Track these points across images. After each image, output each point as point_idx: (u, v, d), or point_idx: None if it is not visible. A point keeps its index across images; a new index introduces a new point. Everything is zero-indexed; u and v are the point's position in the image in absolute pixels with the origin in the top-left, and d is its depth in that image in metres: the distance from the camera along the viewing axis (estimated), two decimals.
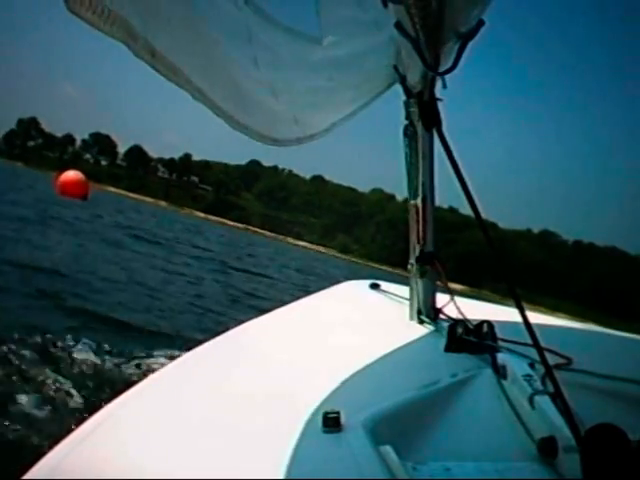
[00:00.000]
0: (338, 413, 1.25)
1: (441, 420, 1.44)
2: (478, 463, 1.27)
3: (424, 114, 2.01)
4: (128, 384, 1.51)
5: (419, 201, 2.22)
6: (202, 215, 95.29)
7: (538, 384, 1.50)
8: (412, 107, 2.10)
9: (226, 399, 1.46)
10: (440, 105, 2.02)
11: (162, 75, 1.15)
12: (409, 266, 2.31)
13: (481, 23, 1.65)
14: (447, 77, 1.80)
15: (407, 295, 2.40)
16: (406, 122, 2.17)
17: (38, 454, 1.14)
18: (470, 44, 1.69)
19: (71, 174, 9.57)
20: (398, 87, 2.14)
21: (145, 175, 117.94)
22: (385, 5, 1.59)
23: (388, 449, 1.18)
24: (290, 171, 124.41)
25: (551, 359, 1.76)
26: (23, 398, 4.06)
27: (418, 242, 2.25)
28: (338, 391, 1.48)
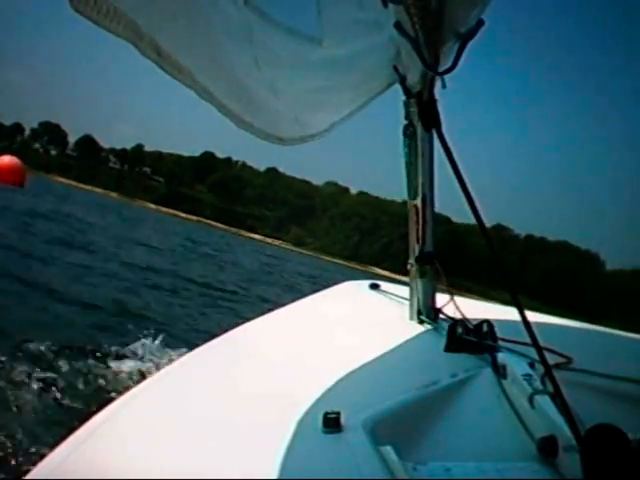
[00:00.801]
0: (338, 413, 1.25)
1: (441, 420, 1.44)
2: (478, 463, 1.27)
3: (423, 114, 2.01)
4: (128, 386, 1.51)
5: (419, 201, 2.22)
6: (154, 207, 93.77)
7: (538, 384, 1.50)
8: (412, 107, 2.10)
9: (227, 399, 1.46)
10: (440, 105, 2.03)
11: (168, 74, 1.15)
12: (409, 266, 2.31)
13: (481, 23, 1.65)
14: (447, 77, 1.80)
15: (407, 295, 2.40)
16: (406, 122, 2.17)
17: (41, 455, 1.14)
18: (470, 44, 1.70)
19: (6, 159, 9.21)
20: (397, 87, 2.15)
21: (96, 166, 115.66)
22: (385, 5, 1.59)
23: (388, 449, 1.18)
24: (244, 163, 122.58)
25: (551, 358, 1.77)
26: None
27: (417, 242, 2.25)
28: (338, 391, 1.48)
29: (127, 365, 4.85)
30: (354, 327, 2.24)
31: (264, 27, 1.64)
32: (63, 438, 1.21)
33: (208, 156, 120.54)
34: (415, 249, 2.27)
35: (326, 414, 1.25)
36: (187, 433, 1.27)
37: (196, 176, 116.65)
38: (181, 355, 1.80)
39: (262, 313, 2.30)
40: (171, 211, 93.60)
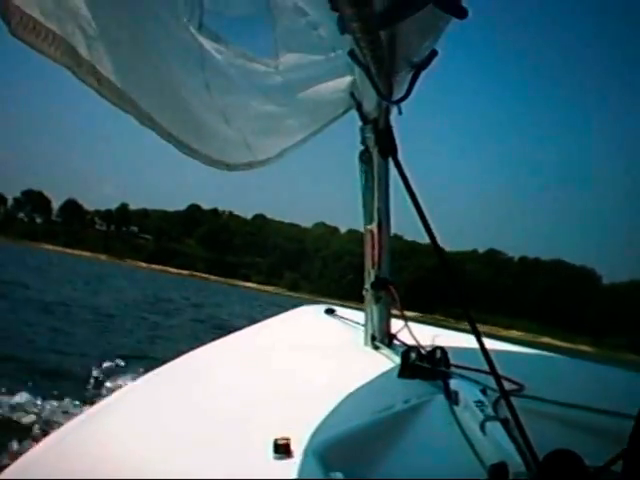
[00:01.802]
0: (288, 439, 1.24)
1: (393, 446, 1.43)
2: None
3: (380, 141, 2.04)
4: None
5: (374, 226, 2.23)
6: (144, 265, 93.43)
7: (489, 410, 1.51)
8: (368, 133, 2.12)
9: (176, 425, 1.43)
10: (395, 131, 2.05)
11: (108, 101, 1.13)
12: (364, 291, 2.31)
13: (434, 53, 1.68)
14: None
15: (362, 320, 2.40)
16: (362, 147, 2.20)
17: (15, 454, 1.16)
18: (423, 73, 1.73)
19: None
20: (354, 113, 2.17)
21: (82, 229, 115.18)
22: (342, 33, 1.61)
23: (338, 475, 1.17)
24: (230, 212, 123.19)
25: (504, 385, 1.78)
26: None
27: (373, 267, 2.26)
28: (289, 417, 1.46)
29: None
30: (308, 352, 2.23)
31: (218, 52, 1.63)
32: (37, 439, 1.22)
33: (194, 209, 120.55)
34: (370, 274, 2.28)
35: (276, 440, 1.24)
36: (136, 458, 1.25)
37: (184, 230, 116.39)
38: (132, 380, 1.77)
39: (216, 337, 2.28)
40: (162, 267, 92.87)
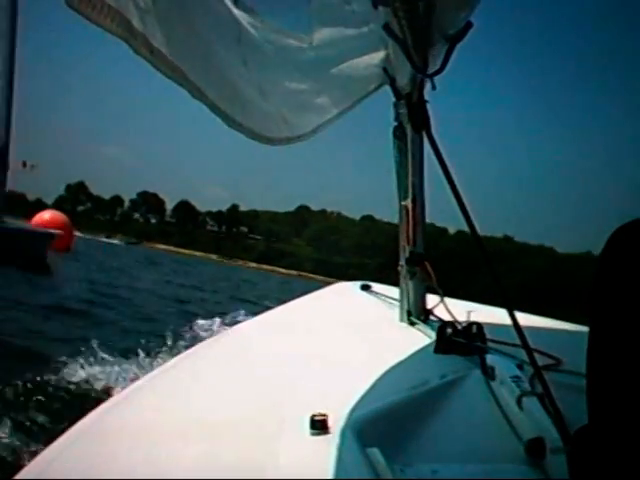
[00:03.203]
0: (325, 415, 1.25)
1: (429, 422, 1.44)
2: (465, 465, 1.27)
3: (413, 116, 2.02)
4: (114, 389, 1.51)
5: (409, 202, 2.22)
6: (254, 265, 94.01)
7: (526, 385, 1.50)
8: (401, 109, 2.10)
9: (215, 401, 1.46)
10: (429, 106, 2.03)
11: (161, 72, 1.16)
12: (399, 267, 2.31)
13: (469, 25, 1.65)
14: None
15: (398, 296, 2.40)
16: (395, 123, 2.18)
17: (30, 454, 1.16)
18: (459, 45, 1.70)
19: (46, 216, 10.30)
20: (388, 88, 2.15)
21: (194, 229, 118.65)
22: (375, 7, 1.59)
23: (375, 451, 1.18)
24: (339, 213, 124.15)
25: (540, 360, 1.77)
26: None
27: (408, 243, 2.26)
28: (326, 393, 1.47)
29: None
30: (344, 328, 2.24)
31: (254, 27, 1.64)
32: (53, 438, 1.22)
33: (303, 210, 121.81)
34: (405, 250, 2.27)
35: (313, 416, 1.25)
36: (175, 435, 1.27)
37: (293, 231, 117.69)
38: (172, 357, 1.80)
39: (255, 314, 2.31)
40: (271, 267, 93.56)
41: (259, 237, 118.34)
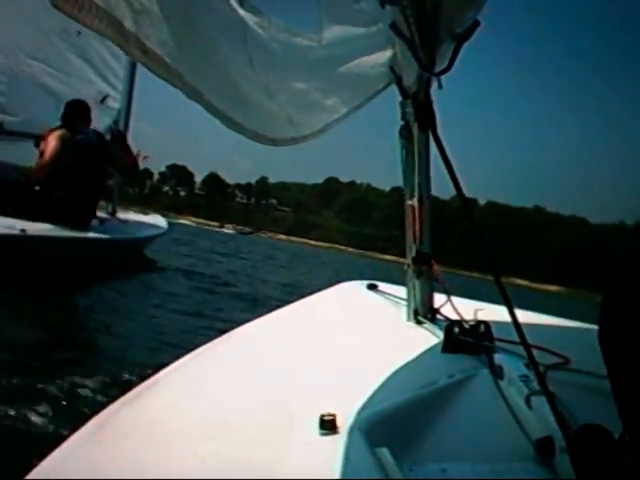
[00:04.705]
0: (334, 416, 1.25)
1: (438, 421, 1.44)
2: (475, 464, 1.27)
3: (419, 115, 2.02)
4: (126, 387, 1.51)
5: (415, 201, 2.23)
6: (284, 237, 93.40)
7: (534, 384, 1.50)
8: (408, 108, 2.10)
9: (223, 401, 1.46)
10: (435, 106, 2.03)
11: (155, 74, 1.13)
12: (405, 266, 2.31)
13: (476, 24, 1.65)
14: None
15: (404, 295, 2.40)
16: (402, 123, 2.18)
17: (41, 454, 1.15)
18: (466, 44, 1.70)
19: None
20: (395, 87, 2.15)
21: (224, 201, 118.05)
22: (382, 6, 1.59)
23: (384, 451, 1.18)
24: (369, 185, 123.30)
25: (548, 359, 1.77)
26: None
27: (414, 242, 2.26)
28: (335, 393, 1.47)
29: None
30: (351, 328, 2.24)
31: (261, 26, 1.63)
32: (64, 438, 1.22)
33: (332, 181, 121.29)
34: (412, 249, 2.27)
35: (322, 416, 1.25)
36: (183, 436, 1.27)
37: (322, 202, 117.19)
38: (178, 357, 1.80)
39: (261, 314, 2.30)
40: (301, 240, 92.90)
41: (288, 209, 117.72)
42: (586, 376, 1.71)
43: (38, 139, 7.98)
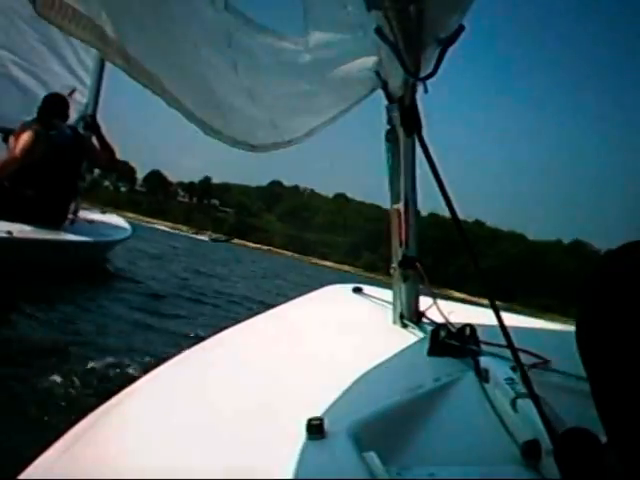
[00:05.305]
0: (322, 420, 1.25)
1: (425, 425, 1.44)
2: (462, 467, 1.28)
3: (405, 119, 2.02)
4: (114, 390, 1.51)
5: (401, 205, 2.23)
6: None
7: (520, 387, 1.51)
8: (394, 112, 2.10)
9: (209, 405, 1.45)
10: (421, 110, 2.03)
11: (137, 81, 1.12)
12: (391, 270, 2.32)
13: (461, 28, 1.65)
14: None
15: (390, 299, 2.40)
16: (388, 127, 2.18)
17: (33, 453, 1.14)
18: (451, 49, 1.71)
19: None
20: (381, 92, 2.15)
21: (165, 200, 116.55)
22: (369, 10, 1.60)
23: (372, 455, 1.18)
24: (312, 190, 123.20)
25: (530, 361, 1.78)
26: None
27: (400, 246, 2.26)
28: (321, 397, 1.47)
29: None
30: (337, 331, 2.24)
31: (246, 31, 1.63)
32: (56, 438, 1.22)
33: (275, 185, 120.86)
34: (398, 253, 2.28)
35: (309, 420, 1.25)
36: (171, 438, 1.27)
37: (264, 205, 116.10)
38: (163, 361, 1.79)
39: (245, 318, 2.29)
40: (241, 242, 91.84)
41: (230, 210, 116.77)
42: (569, 378, 1.72)
43: (7, 133, 7.63)
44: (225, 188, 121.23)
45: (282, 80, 1.92)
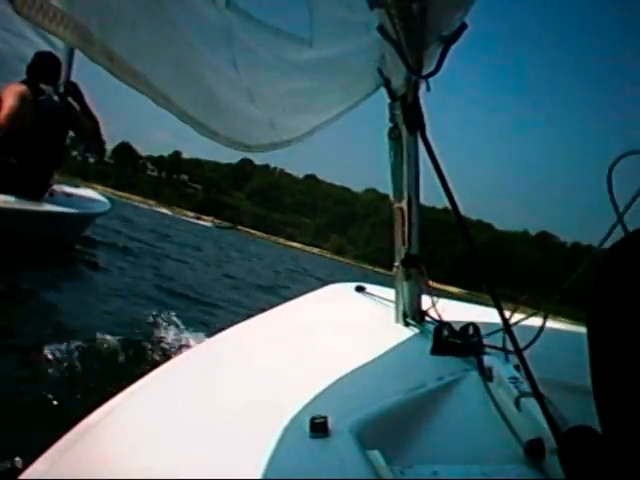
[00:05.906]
0: (325, 418, 1.25)
1: (428, 423, 1.44)
2: (465, 466, 1.28)
3: (408, 117, 2.02)
4: (115, 389, 1.50)
5: (404, 203, 2.22)
6: (191, 214, 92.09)
7: (524, 386, 1.51)
8: (396, 110, 2.10)
9: (213, 405, 1.45)
10: (424, 108, 2.03)
11: (121, 80, 1.08)
12: (394, 269, 2.31)
13: (464, 26, 1.65)
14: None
15: (393, 298, 2.40)
16: (390, 125, 2.18)
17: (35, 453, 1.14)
18: (453, 47, 1.70)
19: None
20: (384, 90, 2.15)
21: (134, 173, 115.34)
22: (371, 8, 1.59)
23: (376, 453, 1.18)
24: (282, 170, 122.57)
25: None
26: None
27: (403, 244, 2.26)
28: (325, 396, 1.47)
29: None
30: (340, 330, 2.24)
31: (247, 29, 1.62)
32: (55, 439, 1.21)
33: (246, 163, 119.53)
34: (401, 251, 2.27)
35: (313, 419, 1.25)
36: (175, 437, 1.26)
37: (234, 183, 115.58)
38: (167, 359, 1.79)
39: (248, 317, 2.29)
40: (209, 218, 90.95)
41: (199, 186, 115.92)
42: (573, 376, 1.72)
43: None
44: (195, 164, 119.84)
45: (284, 78, 1.91)
